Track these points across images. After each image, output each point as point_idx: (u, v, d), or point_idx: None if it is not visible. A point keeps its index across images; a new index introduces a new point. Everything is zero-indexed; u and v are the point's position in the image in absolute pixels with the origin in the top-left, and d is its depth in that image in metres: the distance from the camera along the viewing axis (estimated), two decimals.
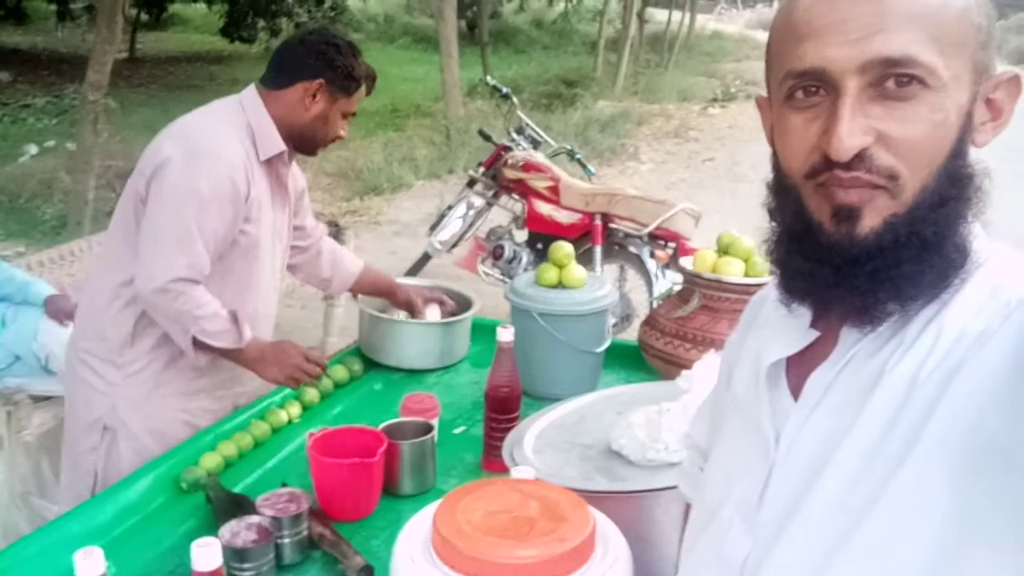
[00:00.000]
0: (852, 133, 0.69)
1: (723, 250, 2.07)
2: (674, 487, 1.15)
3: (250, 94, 1.90)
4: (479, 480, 1.11)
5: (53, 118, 9.41)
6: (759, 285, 1.98)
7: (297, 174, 2.11)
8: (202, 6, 15.98)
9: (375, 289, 2.30)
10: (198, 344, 1.82)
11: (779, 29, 0.76)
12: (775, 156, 0.80)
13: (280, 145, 1.90)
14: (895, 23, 0.68)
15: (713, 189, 8.15)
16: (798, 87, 0.73)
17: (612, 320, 2.14)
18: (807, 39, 0.71)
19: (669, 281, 3.86)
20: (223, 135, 1.83)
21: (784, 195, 0.78)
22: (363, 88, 1.95)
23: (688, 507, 1.13)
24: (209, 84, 12.45)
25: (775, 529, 0.77)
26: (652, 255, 4.03)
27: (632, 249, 4.12)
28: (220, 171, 1.78)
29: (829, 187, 0.72)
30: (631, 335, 3.59)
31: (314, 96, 1.88)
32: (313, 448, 1.55)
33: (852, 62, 0.69)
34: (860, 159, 0.70)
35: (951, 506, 0.66)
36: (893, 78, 0.69)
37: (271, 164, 1.92)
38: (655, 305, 3.55)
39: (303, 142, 1.94)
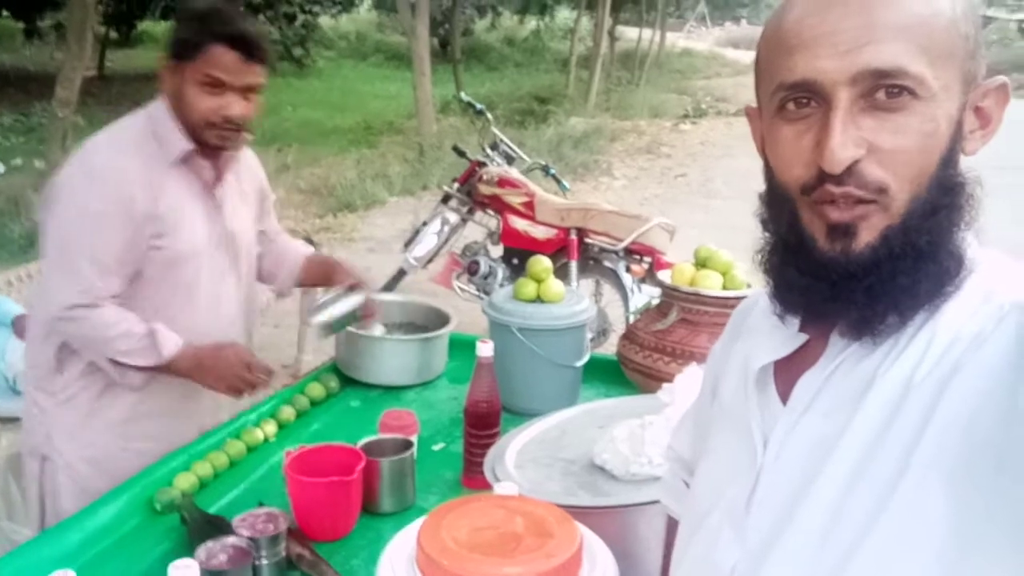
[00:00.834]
0: (844, 145, 0.69)
1: (701, 263, 2.07)
2: (658, 501, 1.15)
3: (161, 97, 1.79)
4: (463, 496, 1.09)
5: (21, 136, 9.32)
6: (737, 298, 1.98)
7: (252, 171, 1.99)
8: (171, 24, 15.90)
9: (321, 274, 2.10)
10: (121, 363, 1.74)
11: (769, 41, 0.76)
12: (767, 167, 0.79)
13: (182, 144, 1.75)
14: (885, 34, 0.68)
15: (686, 204, 8.21)
16: (789, 99, 0.73)
17: (589, 335, 2.13)
18: (797, 51, 0.71)
19: (645, 295, 3.87)
20: (120, 148, 1.73)
21: (778, 207, 0.78)
22: (216, 49, 1.68)
23: (670, 520, 1.12)
24: None
25: (767, 537, 0.76)
26: (628, 269, 4.04)
27: (608, 264, 4.13)
28: (111, 188, 1.68)
29: (823, 204, 0.72)
30: (607, 349, 3.59)
31: (170, 72, 1.73)
32: (290, 467, 1.52)
33: (843, 74, 0.69)
34: (850, 172, 0.70)
35: (951, 512, 0.65)
36: (883, 89, 0.69)
37: (191, 169, 1.79)
38: (631, 319, 3.56)
39: (190, 133, 1.75)
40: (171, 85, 1.74)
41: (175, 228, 1.76)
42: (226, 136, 1.77)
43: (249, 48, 1.70)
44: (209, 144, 1.77)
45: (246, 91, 1.74)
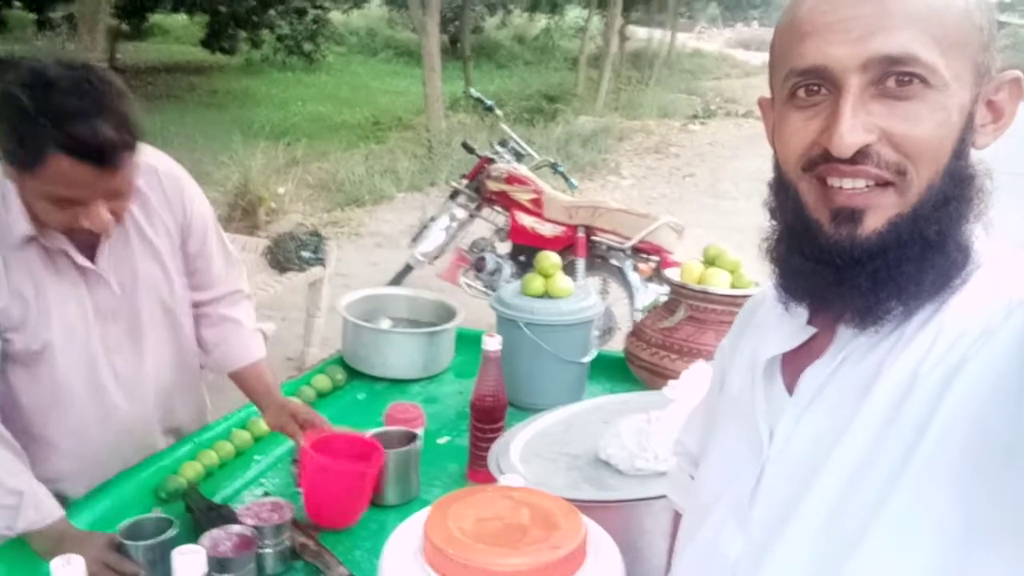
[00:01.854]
0: (853, 129, 0.69)
1: (709, 262, 2.07)
2: (663, 496, 1.14)
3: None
4: (469, 487, 1.09)
5: None
6: (745, 296, 1.98)
7: (168, 205, 1.61)
8: (183, 16, 15.95)
9: (250, 392, 1.76)
10: None
11: (782, 29, 0.77)
12: (775, 155, 0.80)
13: (23, 227, 1.41)
14: (897, 22, 0.68)
15: (693, 204, 8.20)
16: (800, 85, 0.74)
17: (595, 332, 2.13)
18: (809, 37, 0.72)
19: (652, 294, 3.86)
20: None
21: (783, 193, 0.78)
22: (59, 161, 1.26)
23: (676, 515, 1.12)
24: (189, 95, 12.41)
25: (771, 528, 0.77)
26: (635, 268, 4.03)
27: (614, 262, 4.12)
28: None
29: (827, 182, 0.72)
30: (612, 347, 3.59)
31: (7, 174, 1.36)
32: (308, 452, 1.49)
33: (854, 60, 0.69)
34: (864, 155, 0.70)
35: (956, 506, 0.65)
36: (894, 76, 0.69)
37: (47, 247, 1.45)
38: (638, 318, 3.55)
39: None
40: (11, 182, 1.38)
41: (23, 321, 1.46)
42: (94, 236, 1.45)
43: (103, 155, 1.29)
44: (71, 238, 1.45)
45: (109, 196, 1.36)
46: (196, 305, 1.74)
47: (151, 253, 1.60)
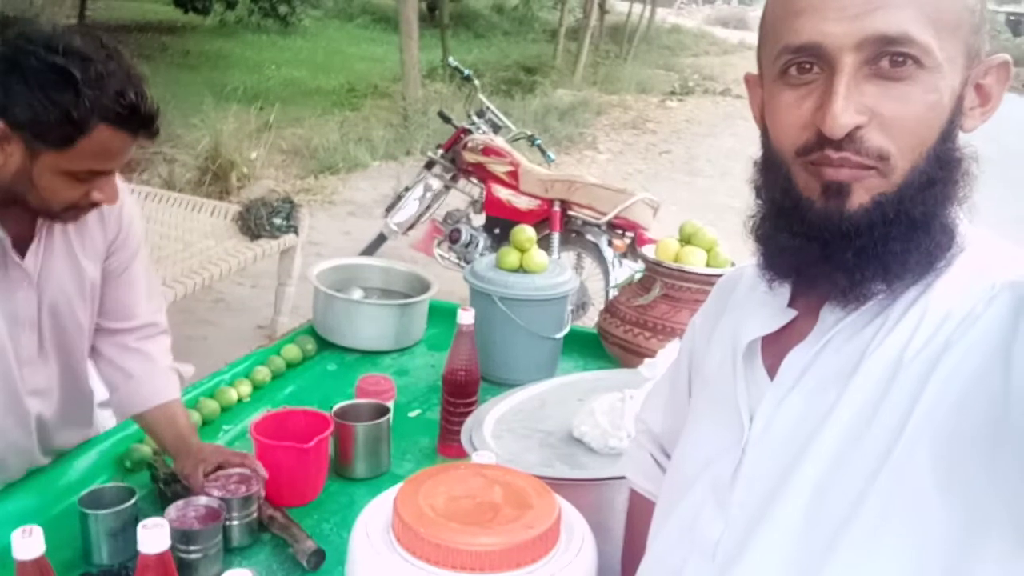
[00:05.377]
0: (846, 110, 0.68)
1: (685, 240, 2.06)
2: None
3: None
4: (442, 464, 1.08)
5: None
6: (721, 275, 1.98)
7: (108, 216, 1.47)
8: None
9: (160, 437, 1.54)
10: None
11: (775, 4, 0.75)
12: (764, 134, 0.79)
13: None
14: (893, 1, 0.67)
15: (669, 181, 8.20)
16: (793, 63, 0.72)
17: (569, 307, 2.12)
18: (805, 13, 0.70)
19: (626, 270, 3.86)
20: None
21: (773, 172, 0.77)
22: (103, 133, 1.21)
23: (633, 493, 1.11)
24: (161, 55, 12.16)
25: (752, 512, 0.76)
26: (610, 244, 4.02)
27: (590, 237, 4.11)
28: None
29: (819, 166, 0.72)
30: (585, 323, 3.58)
31: (5, 141, 1.20)
32: (256, 430, 1.50)
33: (849, 38, 0.68)
34: (851, 139, 0.69)
35: (941, 491, 0.65)
36: (888, 57, 0.68)
37: None
38: (612, 294, 3.55)
39: (26, 203, 1.28)
40: (10, 159, 1.21)
41: None
42: (84, 213, 1.36)
43: (144, 121, 1.25)
44: (54, 218, 1.34)
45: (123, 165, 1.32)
46: (109, 334, 1.56)
47: (73, 271, 1.45)
